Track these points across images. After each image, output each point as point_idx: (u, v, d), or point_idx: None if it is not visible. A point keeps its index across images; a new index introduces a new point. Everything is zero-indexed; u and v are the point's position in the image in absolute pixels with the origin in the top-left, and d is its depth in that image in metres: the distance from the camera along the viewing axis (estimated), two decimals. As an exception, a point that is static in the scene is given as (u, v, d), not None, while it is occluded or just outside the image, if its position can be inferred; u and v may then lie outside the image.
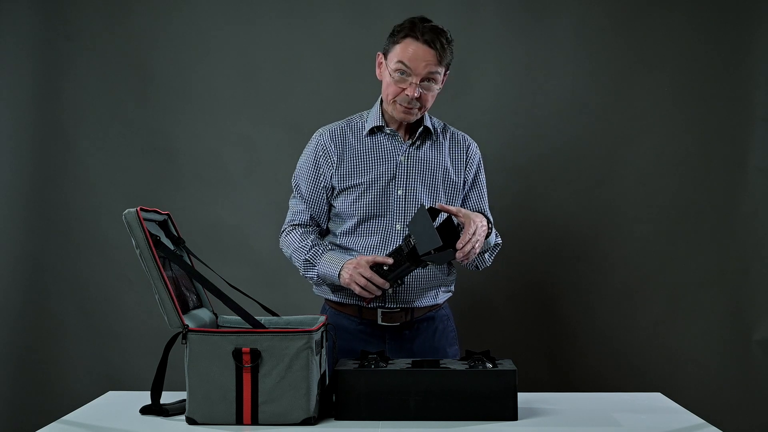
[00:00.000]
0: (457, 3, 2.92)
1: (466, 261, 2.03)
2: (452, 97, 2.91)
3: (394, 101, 2.12)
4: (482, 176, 2.31)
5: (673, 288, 2.91)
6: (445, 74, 2.16)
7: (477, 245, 2.01)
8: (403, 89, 2.10)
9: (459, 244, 1.99)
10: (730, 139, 2.90)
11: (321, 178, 2.20)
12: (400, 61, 2.08)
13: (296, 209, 2.25)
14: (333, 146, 2.20)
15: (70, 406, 2.00)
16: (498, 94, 2.94)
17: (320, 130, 2.26)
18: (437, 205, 2.02)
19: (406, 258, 1.98)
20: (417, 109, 2.13)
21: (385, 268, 2.01)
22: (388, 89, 2.13)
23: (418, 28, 2.08)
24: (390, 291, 2.12)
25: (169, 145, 2.97)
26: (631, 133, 2.92)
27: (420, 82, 2.08)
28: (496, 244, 2.26)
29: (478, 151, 2.31)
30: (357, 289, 2.04)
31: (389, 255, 2.02)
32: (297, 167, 2.27)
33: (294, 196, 2.27)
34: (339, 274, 2.08)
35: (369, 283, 2.01)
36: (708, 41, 2.90)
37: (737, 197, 2.90)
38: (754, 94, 2.88)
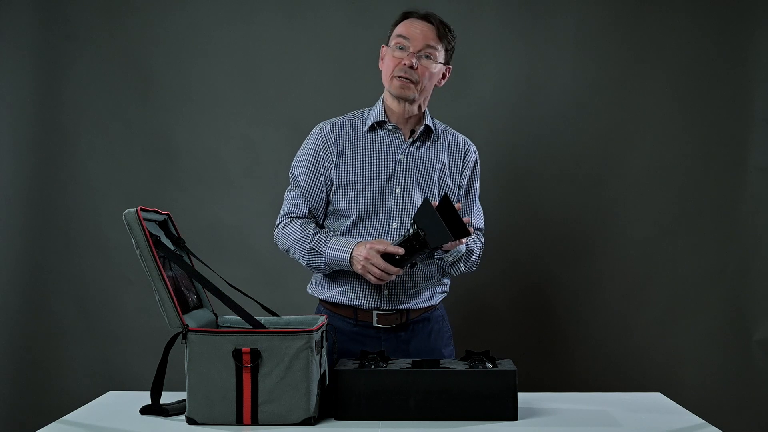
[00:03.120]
0: (457, 3, 2.92)
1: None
2: (452, 97, 2.92)
3: (392, 76, 2.14)
4: (476, 182, 2.30)
5: (673, 288, 2.91)
6: (447, 64, 2.19)
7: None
8: (401, 60, 2.13)
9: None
10: (730, 139, 2.90)
11: (321, 171, 2.18)
12: (399, 35, 2.15)
13: (294, 202, 2.21)
14: (333, 139, 2.19)
15: (70, 406, 2.00)
16: (498, 94, 2.94)
17: (321, 124, 2.24)
18: (457, 206, 2.00)
19: (417, 247, 1.98)
20: (414, 85, 2.13)
21: (396, 257, 2.00)
22: (388, 67, 2.16)
23: (418, 10, 2.17)
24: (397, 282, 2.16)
25: (169, 145, 2.97)
26: (631, 133, 2.92)
27: (417, 53, 2.12)
28: (469, 252, 2.20)
29: (476, 155, 2.30)
30: (373, 280, 2.04)
31: (399, 244, 1.99)
32: (295, 160, 2.23)
33: (291, 189, 2.23)
34: (350, 262, 2.07)
35: (384, 273, 2.01)
36: (708, 41, 2.90)
37: (737, 197, 2.90)
38: (754, 94, 2.88)
